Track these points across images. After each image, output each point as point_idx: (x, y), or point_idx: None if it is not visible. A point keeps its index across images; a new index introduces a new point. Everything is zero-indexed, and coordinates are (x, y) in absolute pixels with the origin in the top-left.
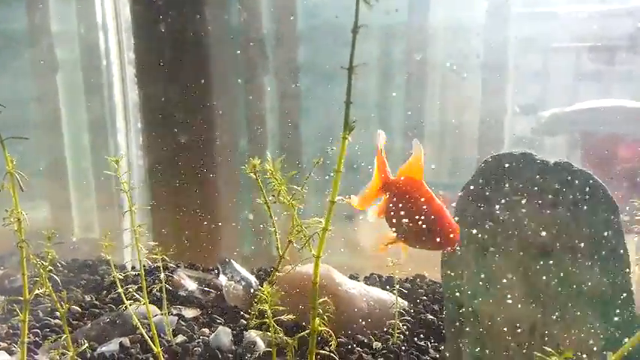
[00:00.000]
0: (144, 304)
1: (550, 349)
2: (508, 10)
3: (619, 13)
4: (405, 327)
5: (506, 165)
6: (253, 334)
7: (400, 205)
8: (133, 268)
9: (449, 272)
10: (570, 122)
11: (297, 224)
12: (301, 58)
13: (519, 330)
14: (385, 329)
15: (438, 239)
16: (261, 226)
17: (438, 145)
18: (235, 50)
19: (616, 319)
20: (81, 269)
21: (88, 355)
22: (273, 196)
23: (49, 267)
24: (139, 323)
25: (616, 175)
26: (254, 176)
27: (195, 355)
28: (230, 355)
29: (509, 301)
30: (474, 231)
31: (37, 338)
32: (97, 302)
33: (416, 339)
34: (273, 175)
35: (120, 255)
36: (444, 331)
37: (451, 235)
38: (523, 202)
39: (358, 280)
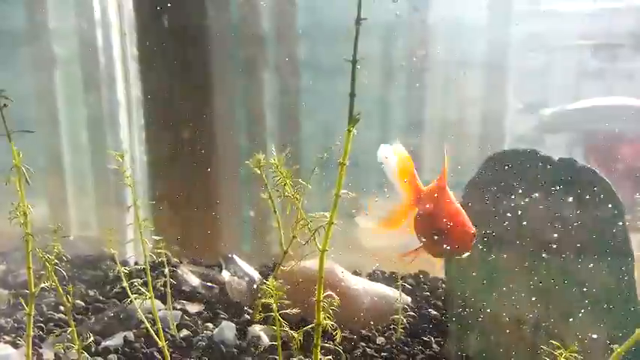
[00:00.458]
0: (149, 298)
1: (556, 343)
2: (510, 7)
3: (622, 10)
4: (408, 322)
5: (511, 161)
6: (257, 329)
7: (429, 212)
8: (136, 263)
9: (453, 268)
10: (572, 120)
11: (302, 218)
12: (302, 54)
13: (523, 326)
14: (388, 324)
15: (454, 243)
16: (263, 220)
17: (437, 144)
18: (238, 45)
19: (620, 315)
20: (84, 265)
21: (93, 349)
22: (278, 190)
23: (55, 260)
24: (143, 317)
25: (618, 173)
26: (258, 171)
27: (200, 349)
28: (234, 350)
29: (514, 297)
30: (479, 227)
31: (41, 332)
32: (100, 297)
33: (419, 334)
34: (277, 169)
35: (122, 250)
36: (447, 327)
37: (467, 239)
38: (527, 198)
39: (361, 277)
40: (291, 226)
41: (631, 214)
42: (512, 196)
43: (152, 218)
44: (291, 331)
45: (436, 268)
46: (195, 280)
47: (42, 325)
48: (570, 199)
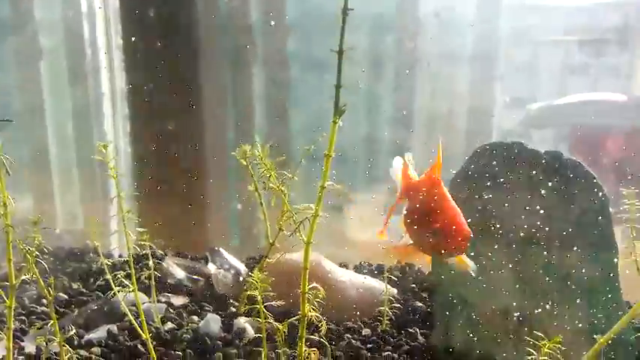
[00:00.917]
0: (132, 291)
1: (540, 334)
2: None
3: (609, 5)
4: (394, 314)
5: (498, 153)
6: (242, 321)
7: (421, 208)
8: (120, 255)
9: (439, 259)
10: (558, 115)
11: (288, 210)
12: (292, 45)
13: (508, 316)
14: (375, 316)
15: (447, 241)
16: (252, 213)
17: (424, 139)
18: (225, 37)
19: (604, 306)
20: (67, 257)
21: (76, 342)
22: (264, 182)
23: (36, 252)
24: (127, 310)
25: (604, 167)
26: (244, 163)
27: (185, 341)
28: (219, 342)
29: (499, 288)
30: (465, 218)
31: (23, 325)
32: (84, 290)
33: (405, 326)
34: (262, 161)
35: (106, 243)
36: (432, 318)
37: (462, 241)
38: (513, 190)
39: (348, 269)
40: (276, 218)
41: (616, 207)
42: (499, 188)
43: (137, 210)
44: (276, 323)
45: (426, 259)
46: (180, 273)
47: (24, 318)
48: (556, 191)
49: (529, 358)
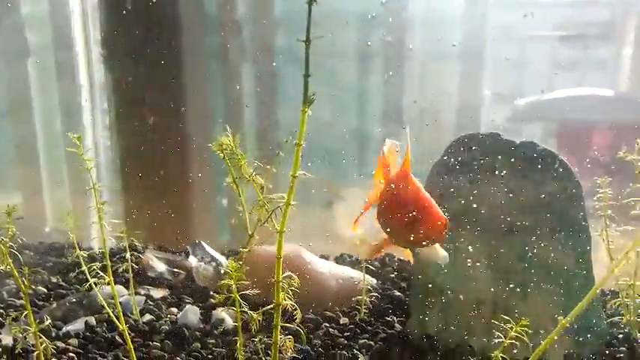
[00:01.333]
0: (108, 283)
1: (507, 318)
2: None
3: (596, 1)
4: (372, 303)
5: (474, 144)
6: (221, 312)
7: (390, 200)
8: (100, 248)
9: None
10: (546, 110)
11: (260, 200)
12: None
13: (482, 304)
14: (353, 306)
15: (424, 232)
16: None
17: (413, 134)
18: (207, 30)
19: (577, 293)
20: (48, 252)
21: (53, 334)
22: (242, 174)
23: (10, 243)
24: (104, 302)
25: (591, 162)
26: (221, 154)
27: (163, 333)
28: (197, 333)
29: (474, 276)
30: (442, 208)
31: (0, 318)
32: (63, 283)
33: (383, 314)
34: (233, 150)
35: (88, 236)
36: (409, 306)
37: (438, 228)
38: (489, 180)
39: (329, 260)
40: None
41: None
42: (475, 178)
43: (122, 205)
44: (251, 312)
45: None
46: (161, 266)
47: (2, 311)
48: (531, 180)
49: (495, 341)
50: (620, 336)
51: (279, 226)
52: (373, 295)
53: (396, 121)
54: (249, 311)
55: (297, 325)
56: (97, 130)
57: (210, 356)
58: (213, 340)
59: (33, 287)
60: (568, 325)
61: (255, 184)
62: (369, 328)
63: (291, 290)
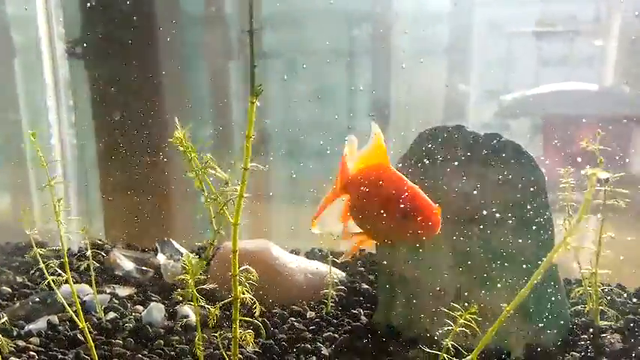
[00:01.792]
0: (66, 281)
1: (457, 306)
2: None
3: None
4: (339, 297)
5: (439, 137)
6: (187, 309)
7: (368, 198)
8: (69, 249)
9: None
10: (531, 105)
11: (213, 193)
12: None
13: (446, 294)
14: (321, 300)
15: (417, 225)
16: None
17: (400, 130)
18: (178, 25)
19: (539, 285)
20: (14, 252)
21: (15, 333)
22: (202, 168)
23: None
24: (63, 300)
25: (576, 157)
26: (181, 148)
27: (126, 331)
28: (161, 330)
29: (438, 267)
30: None
31: None
32: (29, 283)
33: (350, 307)
34: (181, 143)
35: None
36: (376, 299)
37: (431, 219)
38: (454, 171)
39: (299, 255)
40: (205, 202)
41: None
42: (441, 171)
43: (92, 203)
44: (208, 306)
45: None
46: (129, 265)
47: None
48: (494, 171)
49: (445, 328)
50: (583, 324)
51: (233, 218)
52: (341, 289)
53: (384, 119)
54: (206, 306)
55: (256, 319)
56: (63, 127)
57: (172, 353)
58: (177, 337)
59: None
60: (532, 314)
61: (206, 177)
62: (334, 321)
63: (257, 285)
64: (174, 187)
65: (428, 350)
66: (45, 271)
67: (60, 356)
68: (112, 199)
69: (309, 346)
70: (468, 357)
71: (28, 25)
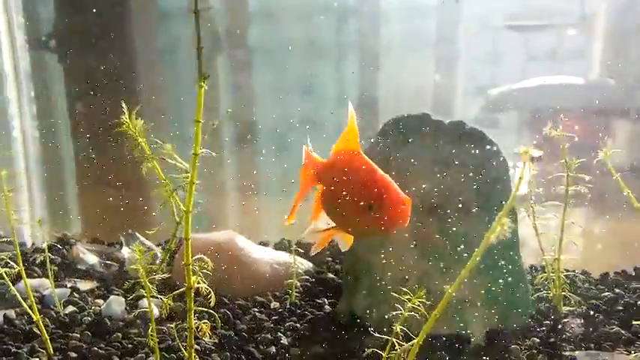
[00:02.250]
0: (18, 271)
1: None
2: None
3: None
4: (305, 287)
5: (405, 126)
6: (147, 301)
7: (337, 186)
8: (33, 244)
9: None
10: (518, 99)
11: (163, 179)
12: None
13: (407, 281)
14: (286, 290)
15: (387, 217)
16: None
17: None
18: (144, 16)
19: (503, 269)
20: None
21: None
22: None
23: None
24: (17, 294)
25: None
26: (131, 134)
27: (84, 324)
28: (120, 323)
29: (401, 255)
30: None
31: None
32: None
33: (315, 297)
34: (129, 127)
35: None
36: (341, 288)
37: (400, 209)
38: (419, 159)
39: (268, 246)
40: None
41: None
42: (406, 158)
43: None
44: (161, 297)
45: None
46: (92, 259)
47: None
48: (458, 159)
49: (394, 312)
50: (546, 310)
51: (185, 206)
52: (305, 279)
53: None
54: (159, 297)
55: (214, 310)
56: (25, 120)
57: (130, 345)
58: (135, 330)
59: None
60: (494, 301)
61: (154, 164)
62: (298, 311)
63: (221, 275)
64: (141, 179)
65: (378, 335)
66: None
67: (14, 350)
68: (79, 193)
69: (269, 336)
70: (414, 340)
71: None
